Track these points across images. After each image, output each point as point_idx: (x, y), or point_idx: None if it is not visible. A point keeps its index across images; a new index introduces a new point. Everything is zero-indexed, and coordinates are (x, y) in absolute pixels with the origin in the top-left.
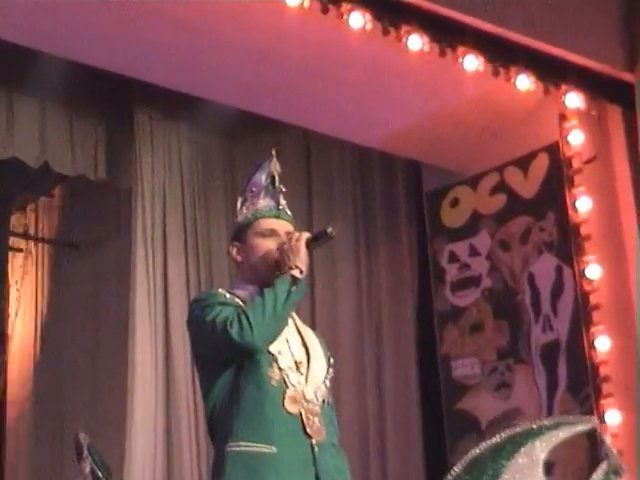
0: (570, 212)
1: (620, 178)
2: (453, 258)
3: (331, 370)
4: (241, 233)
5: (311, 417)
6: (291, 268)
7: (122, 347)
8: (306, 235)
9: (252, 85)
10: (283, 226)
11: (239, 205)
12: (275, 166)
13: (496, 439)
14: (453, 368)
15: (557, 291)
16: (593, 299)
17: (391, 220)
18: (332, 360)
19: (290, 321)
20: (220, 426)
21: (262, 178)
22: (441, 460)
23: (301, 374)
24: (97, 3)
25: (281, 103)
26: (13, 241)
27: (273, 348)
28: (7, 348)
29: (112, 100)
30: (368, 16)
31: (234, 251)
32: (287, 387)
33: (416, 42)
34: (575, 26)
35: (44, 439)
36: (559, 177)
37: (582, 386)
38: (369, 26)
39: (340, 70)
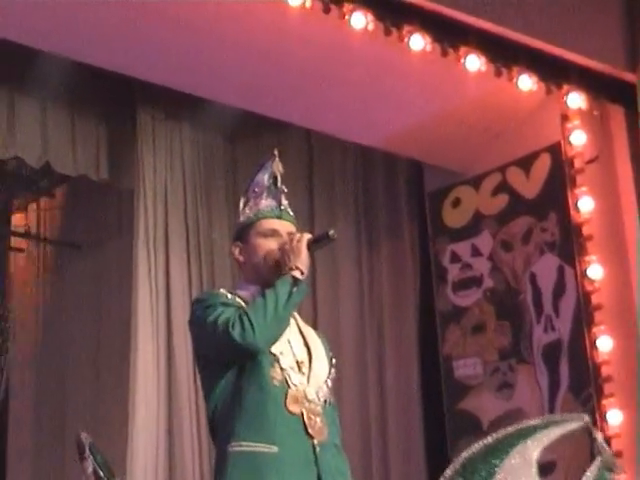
0: (572, 212)
1: (622, 178)
2: (455, 258)
3: (333, 370)
4: (243, 233)
5: (313, 417)
6: (292, 269)
7: (124, 347)
8: (307, 236)
9: (254, 85)
10: (285, 226)
11: (241, 205)
12: (277, 166)
13: (488, 440)
14: (455, 368)
15: (559, 291)
16: (595, 299)
17: (393, 220)
18: (334, 360)
19: (292, 321)
20: (222, 426)
21: (264, 178)
22: (443, 460)
23: (303, 374)
24: (99, 2)
25: (283, 103)
26: (14, 241)
27: (275, 348)
28: (8, 348)
29: (114, 100)
30: (370, 16)
31: (236, 251)
32: (289, 387)
33: (418, 42)
34: (577, 26)
35: (46, 439)
36: (561, 177)
37: (584, 386)
38: (371, 26)
39: (342, 70)
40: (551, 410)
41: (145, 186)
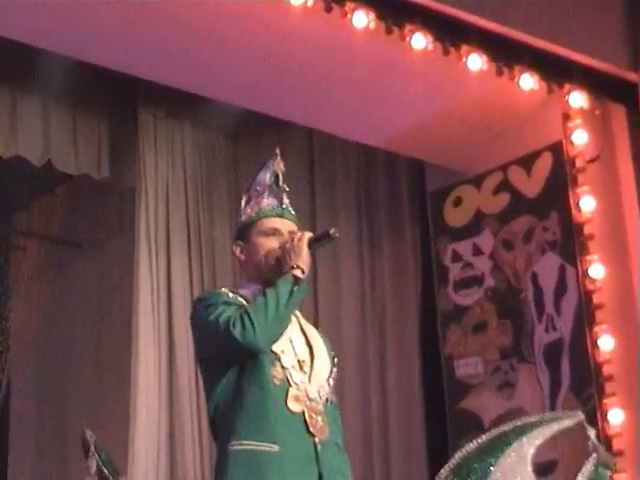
0: (573, 211)
1: (624, 177)
2: (456, 257)
3: (335, 369)
4: (244, 232)
5: (314, 416)
6: (293, 268)
7: (125, 346)
8: (308, 235)
9: (255, 84)
10: (286, 225)
11: (243, 204)
12: (279, 165)
13: (482, 438)
14: (456, 367)
15: (560, 290)
16: (596, 298)
17: (394, 219)
18: (336, 359)
19: (294, 320)
20: (223, 425)
21: (266, 177)
22: (444, 460)
23: (304, 373)
24: (101, 2)
25: (284, 102)
26: (16, 240)
27: (276, 347)
28: (10, 347)
29: (116, 99)
30: (372, 15)
31: (237, 250)
32: (290, 386)
33: (420, 41)
34: (579, 25)
35: (47, 438)
36: (563, 176)
37: (585, 385)
38: (372, 25)
39: (343, 69)
40: (552, 409)
41: (146, 185)
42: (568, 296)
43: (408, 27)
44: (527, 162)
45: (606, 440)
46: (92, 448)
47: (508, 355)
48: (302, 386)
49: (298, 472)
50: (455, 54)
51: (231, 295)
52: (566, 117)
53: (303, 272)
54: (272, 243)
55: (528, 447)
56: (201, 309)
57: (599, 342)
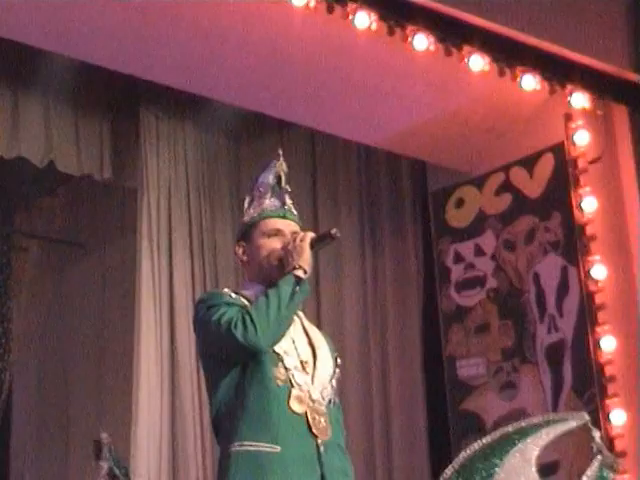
0: (575, 212)
1: (626, 178)
2: (458, 258)
3: (338, 370)
4: (247, 233)
5: (317, 417)
6: (295, 268)
7: (127, 346)
8: (310, 235)
9: (257, 85)
10: (289, 226)
11: (246, 205)
12: (282, 166)
13: (487, 439)
14: (458, 368)
15: (562, 291)
16: (598, 299)
17: (396, 220)
18: (339, 360)
19: (297, 320)
20: (225, 426)
21: (269, 178)
22: (446, 460)
23: (307, 374)
24: (103, 2)
25: (286, 103)
26: (18, 240)
27: (279, 348)
28: (12, 347)
29: (118, 99)
30: (374, 16)
31: (240, 251)
32: (293, 387)
33: (422, 42)
34: (581, 26)
35: (49, 438)
36: (565, 177)
37: (587, 386)
38: (375, 26)
39: (346, 70)
40: (554, 410)
41: (148, 186)
42: (570, 297)
43: (410, 28)
44: (529, 163)
45: (608, 441)
46: (106, 450)
47: (510, 356)
48: (305, 387)
49: (300, 473)
50: (457, 55)
51: (233, 296)
52: (568, 118)
53: (305, 272)
54: (274, 244)
55: (533, 448)
56: (203, 310)
57: (601, 343)
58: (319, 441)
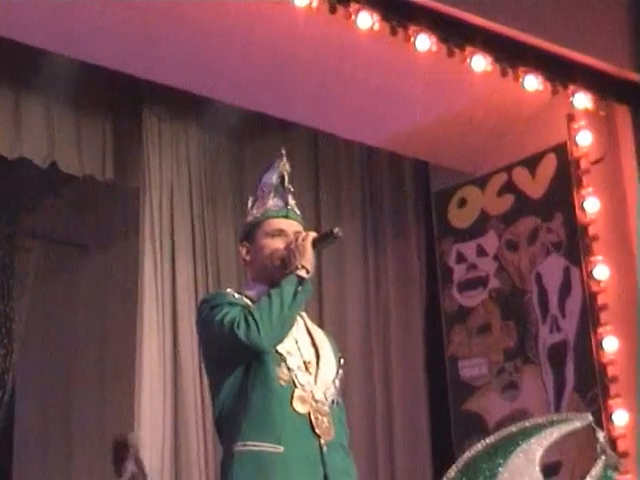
0: (578, 212)
1: (628, 178)
2: (460, 258)
3: (341, 370)
4: (250, 233)
5: (320, 417)
6: (297, 268)
7: (130, 347)
8: (312, 235)
9: (260, 85)
10: (292, 226)
11: (250, 205)
12: (285, 166)
13: (491, 439)
14: (460, 368)
15: (565, 291)
16: (601, 299)
17: (399, 220)
18: (342, 360)
19: (300, 321)
20: (228, 426)
21: (272, 178)
22: (449, 461)
23: (310, 374)
24: (105, 2)
25: (289, 103)
26: (21, 241)
27: (282, 348)
28: (15, 348)
29: (120, 100)
30: (376, 16)
31: (243, 251)
32: (296, 387)
33: (424, 42)
34: (583, 26)
35: (52, 438)
36: (567, 177)
37: (590, 386)
38: (377, 26)
39: (348, 70)
40: (557, 410)
41: (151, 186)
42: (572, 297)
43: (412, 28)
44: (531, 163)
45: (611, 441)
46: (133, 450)
47: (512, 356)
48: (308, 387)
49: (303, 473)
50: (459, 55)
51: (236, 296)
52: (570, 118)
53: (308, 272)
54: (277, 244)
55: (536, 448)
56: (206, 310)
57: (603, 343)
58: (322, 441)
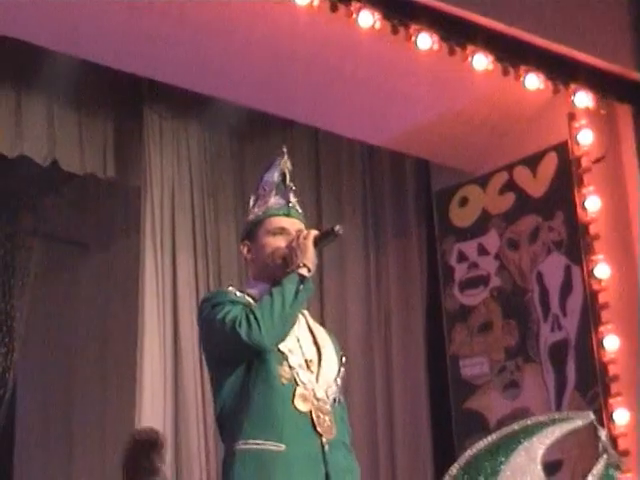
0: (579, 211)
1: (629, 177)
2: (462, 257)
3: (343, 369)
4: (252, 231)
5: (321, 415)
6: (299, 266)
7: (131, 345)
8: (314, 233)
9: (261, 84)
10: (293, 224)
11: (251, 203)
12: (286, 163)
13: (492, 437)
14: (462, 367)
15: (566, 290)
16: (602, 298)
17: (400, 219)
18: (344, 359)
19: (302, 319)
20: (230, 424)
21: (273, 176)
22: (450, 459)
23: (312, 372)
24: (106, 1)
25: (290, 102)
26: (22, 239)
27: (284, 346)
28: (16, 346)
29: (121, 98)
30: (377, 15)
31: (245, 249)
32: (297, 385)
33: (425, 41)
34: (584, 25)
35: (53, 437)
36: (568, 176)
37: (591, 385)
38: (378, 25)
39: (349, 69)
40: (558, 409)
41: (152, 184)
42: (573, 296)
43: (414, 27)
44: (533, 162)
45: (612, 440)
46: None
47: (513, 355)
48: (309, 385)
49: (305, 471)
50: (461, 54)
51: (238, 294)
52: (572, 117)
53: (309, 270)
54: (279, 242)
55: (538, 446)
56: (208, 308)
57: (604, 342)
58: (324, 440)
